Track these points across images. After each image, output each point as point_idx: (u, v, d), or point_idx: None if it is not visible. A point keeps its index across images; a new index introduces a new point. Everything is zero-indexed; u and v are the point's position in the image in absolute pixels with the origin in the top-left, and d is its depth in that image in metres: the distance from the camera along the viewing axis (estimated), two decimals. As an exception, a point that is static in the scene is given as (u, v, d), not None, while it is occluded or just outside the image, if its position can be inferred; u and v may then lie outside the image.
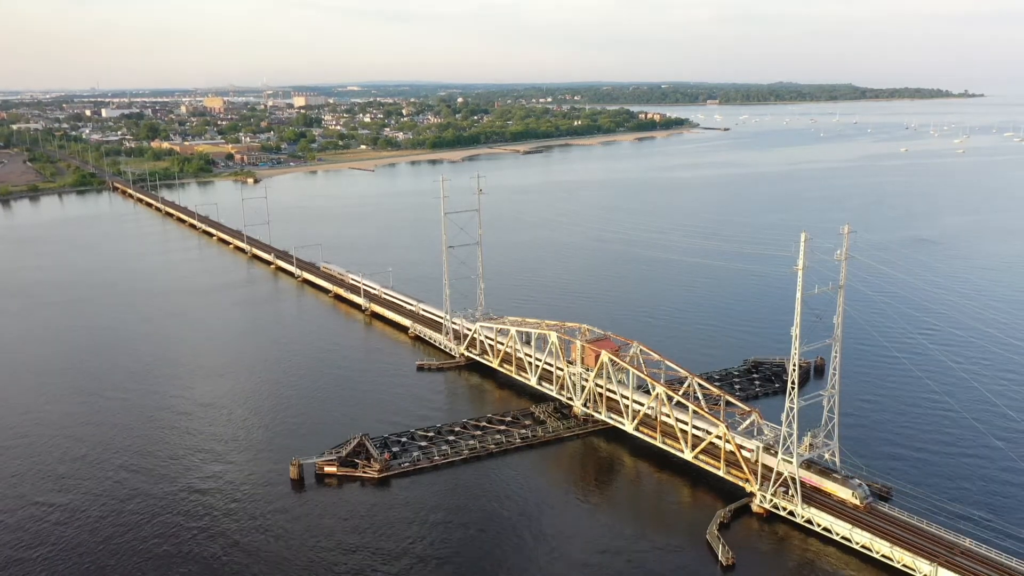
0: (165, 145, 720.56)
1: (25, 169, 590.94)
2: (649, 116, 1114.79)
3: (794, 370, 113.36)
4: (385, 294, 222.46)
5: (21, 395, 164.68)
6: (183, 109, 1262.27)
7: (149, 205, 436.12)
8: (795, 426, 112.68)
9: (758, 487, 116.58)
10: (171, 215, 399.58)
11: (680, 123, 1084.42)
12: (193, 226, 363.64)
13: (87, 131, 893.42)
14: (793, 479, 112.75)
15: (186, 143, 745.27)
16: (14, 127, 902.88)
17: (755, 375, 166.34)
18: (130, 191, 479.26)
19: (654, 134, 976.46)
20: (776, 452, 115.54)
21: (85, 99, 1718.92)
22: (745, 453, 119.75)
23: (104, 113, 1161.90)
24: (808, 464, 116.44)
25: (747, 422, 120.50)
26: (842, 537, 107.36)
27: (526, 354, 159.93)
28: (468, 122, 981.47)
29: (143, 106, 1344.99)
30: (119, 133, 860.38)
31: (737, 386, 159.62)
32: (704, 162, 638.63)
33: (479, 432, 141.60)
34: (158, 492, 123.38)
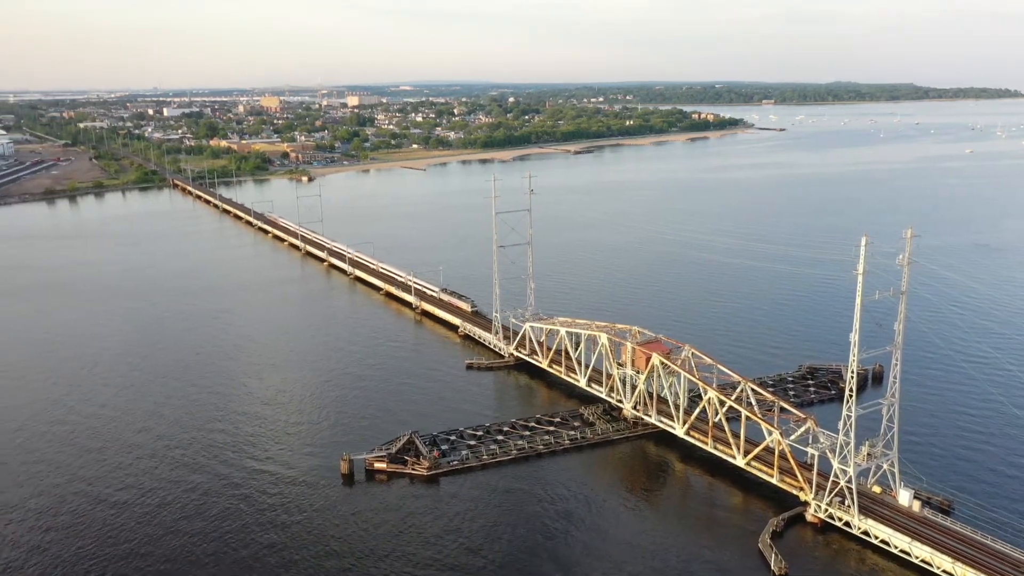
0: (223, 144, 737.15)
1: (91, 166, 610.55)
2: (702, 116, 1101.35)
3: (852, 377, 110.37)
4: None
5: (85, 387, 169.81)
6: (241, 108, 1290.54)
7: (207, 202, 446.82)
8: (852, 434, 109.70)
9: (813, 496, 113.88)
10: (228, 212, 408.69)
11: (734, 123, 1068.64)
12: (249, 223, 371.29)
13: (149, 130, 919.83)
14: (850, 489, 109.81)
15: (243, 142, 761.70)
16: (81, 126, 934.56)
17: (810, 381, 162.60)
18: (189, 188, 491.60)
19: (707, 134, 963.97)
20: (832, 461, 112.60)
21: (148, 98, 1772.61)
22: (799, 460, 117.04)
23: (166, 112, 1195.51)
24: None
25: (802, 429, 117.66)
26: (901, 551, 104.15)
27: (576, 355, 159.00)
28: (519, 122, 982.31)
29: (203, 105, 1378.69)
30: (179, 132, 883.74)
31: (792, 392, 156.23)
32: (758, 163, 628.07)
33: (528, 432, 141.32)
34: (212, 483, 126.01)
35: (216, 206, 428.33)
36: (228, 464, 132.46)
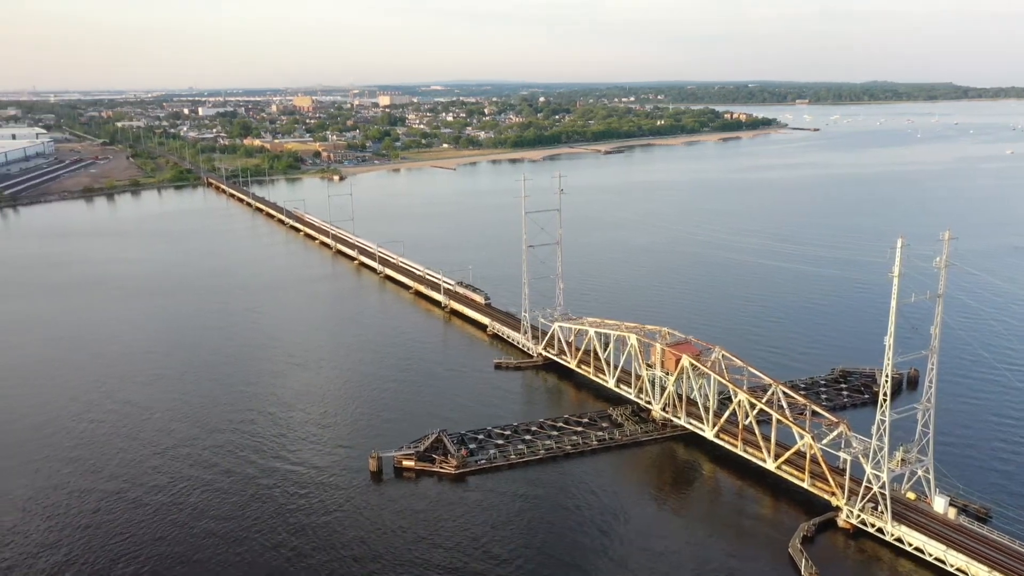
0: (256, 143, 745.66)
1: (128, 165, 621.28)
2: (735, 116, 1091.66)
3: (886, 381, 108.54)
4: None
5: (116, 383, 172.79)
6: (274, 108, 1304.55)
7: (240, 200, 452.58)
8: (886, 439, 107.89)
9: (845, 501, 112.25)
10: (260, 210, 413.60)
11: (767, 123, 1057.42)
12: (281, 221, 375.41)
13: (185, 129, 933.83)
14: (883, 494, 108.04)
15: (276, 141, 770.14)
16: (119, 125, 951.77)
17: (843, 385, 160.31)
18: (223, 187, 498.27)
19: (739, 134, 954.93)
20: (865, 466, 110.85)
21: (183, 98, 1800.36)
22: (831, 465, 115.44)
23: (200, 112, 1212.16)
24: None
25: (834, 433, 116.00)
26: (935, 559, 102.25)
27: (604, 356, 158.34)
28: (549, 121, 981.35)
29: (237, 105, 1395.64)
30: (214, 131, 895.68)
31: (824, 396, 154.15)
32: (791, 163, 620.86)
33: (555, 432, 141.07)
34: (242, 479, 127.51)
35: (249, 204, 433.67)
36: (258, 460, 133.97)
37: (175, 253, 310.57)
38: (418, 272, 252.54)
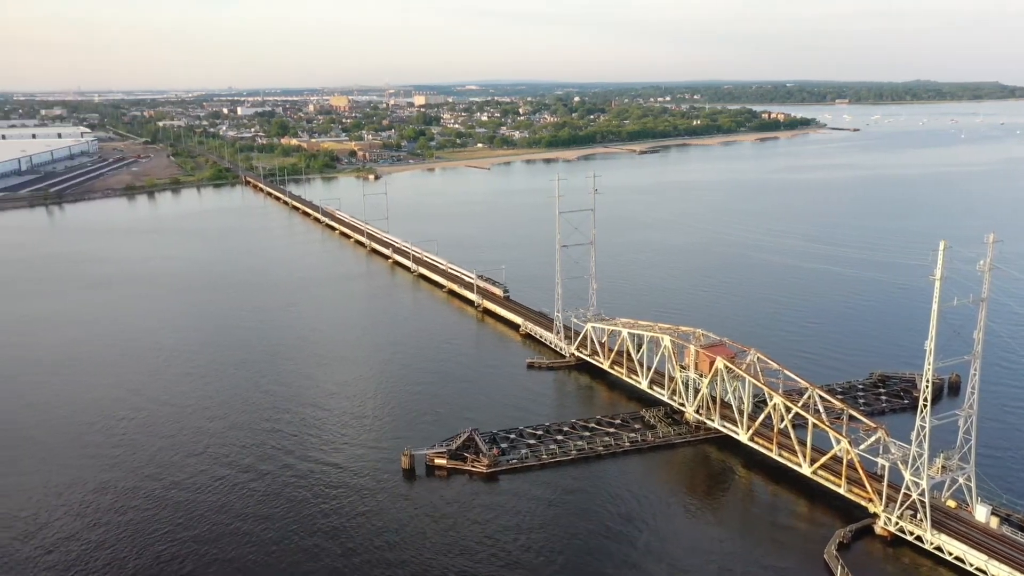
0: (293, 142, 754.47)
1: (168, 163, 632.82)
2: (772, 116, 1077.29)
3: (927, 386, 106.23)
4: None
5: (153, 377, 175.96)
6: (311, 108, 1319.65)
7: (277, 199, 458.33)
8: (926, 446, 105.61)
9: (882, 508, 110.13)
10: (297, 209, 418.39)
11: (806, 123, 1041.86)
12: (317, 220, 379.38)
13: (224, 128, 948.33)
14: (922, 502, 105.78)
15: (312, 140, 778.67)
16: (160, 124, 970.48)
17: (882, 390, 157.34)
18: (260, 185, 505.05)
19: (777, 134, 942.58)
20: (904, 473, 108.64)
21: (223, 98, 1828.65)
22: (869, 471, 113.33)
23: (239, 111, 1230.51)
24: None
25: (872, 439, 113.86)
26: (976, 568, 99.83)
27: (637, 357, 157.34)
28: (584, 121, 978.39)
29: (275, 105, 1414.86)
30: (252, 130, 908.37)
31: (862, 400, 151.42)
32: (830, 164, 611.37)
33: (587, 433, 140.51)
34: (275, 475, 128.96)
35: (285, 203, 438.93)
36: (290, 457, 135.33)
37: (213, 251, 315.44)
38: (441, 266, 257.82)
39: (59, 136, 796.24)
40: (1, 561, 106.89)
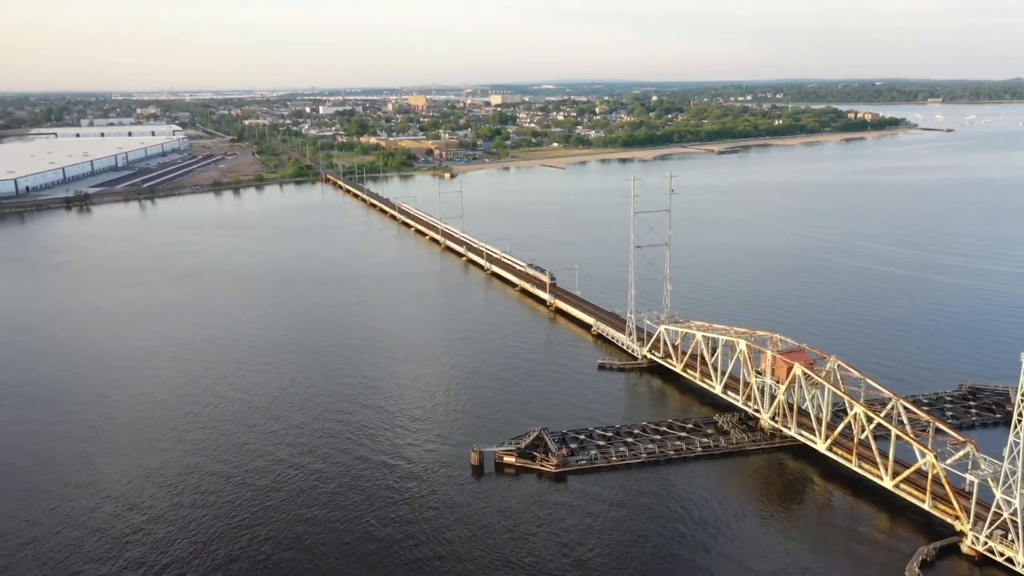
0: (372, 140, 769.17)
1: (253, 161, 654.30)
2: (859, 116, 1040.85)
3: (1022, 400, 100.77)
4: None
5: (226, 367, 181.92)
6: (389, 107, 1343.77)
7: (356, 196, 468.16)
8: (1020, 463, 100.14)
9: (970, 526, 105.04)
10: (374, 206, 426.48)
11: (895, 123, 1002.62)
12: (393, 217, 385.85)
13: (306, 127, 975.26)
14: (1014, 522, 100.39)
15: (391, 139, 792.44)
16: (246, 123, 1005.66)
17: (972, 402, 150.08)
18: (340, 183, 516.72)
19: (864, 135, 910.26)
20: (995, 490, 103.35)
21: (306, 97, 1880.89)
22: (956, 487, 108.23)
23: (321, 110, 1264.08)
24: None
25: (960, 453, 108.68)
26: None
27: (712, 361, 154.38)
28: (661, 121, 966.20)
29: (355, 104, 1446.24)
30: (333, 129, 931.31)
31: (949, 413, 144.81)
32: (919, 165, 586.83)
33: (658, 436, 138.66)
34: (344, 467, 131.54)
35: (363, 200, 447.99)
36: (360, 449, 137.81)
37: (293, 246, 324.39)
38: (495, 255, 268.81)
39: (152, 134, 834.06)
40: (98, 535, 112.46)
